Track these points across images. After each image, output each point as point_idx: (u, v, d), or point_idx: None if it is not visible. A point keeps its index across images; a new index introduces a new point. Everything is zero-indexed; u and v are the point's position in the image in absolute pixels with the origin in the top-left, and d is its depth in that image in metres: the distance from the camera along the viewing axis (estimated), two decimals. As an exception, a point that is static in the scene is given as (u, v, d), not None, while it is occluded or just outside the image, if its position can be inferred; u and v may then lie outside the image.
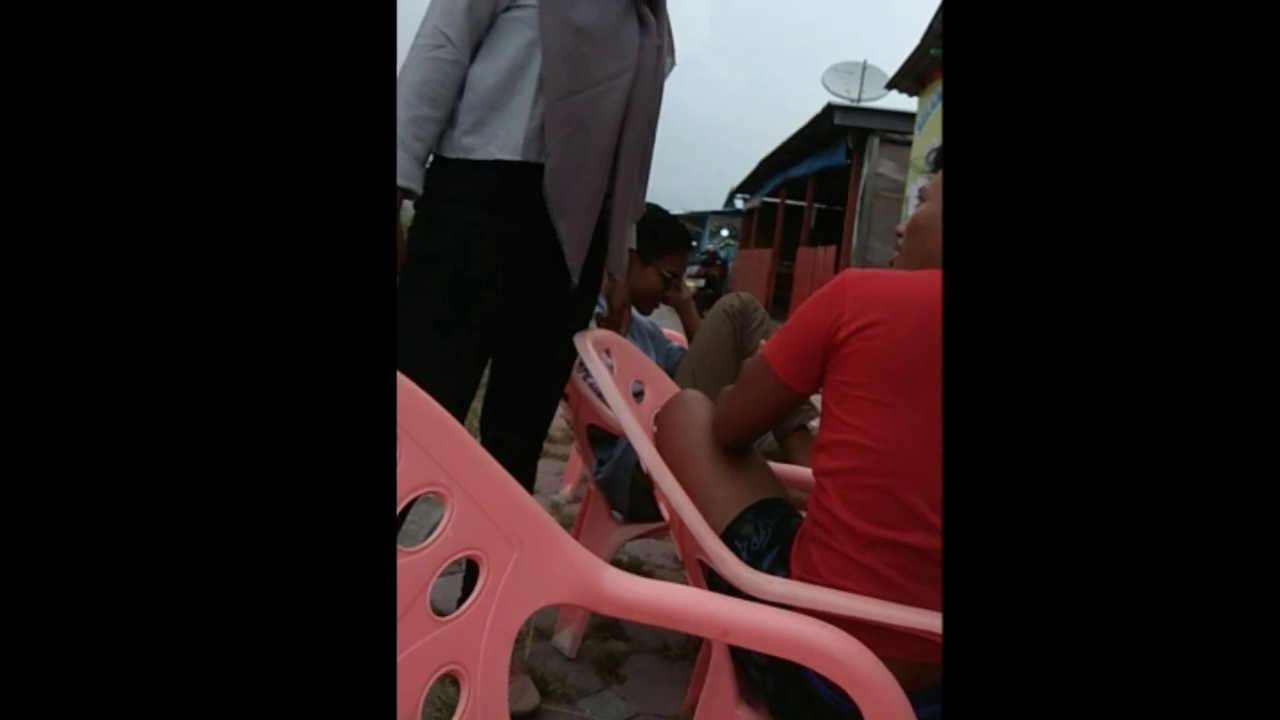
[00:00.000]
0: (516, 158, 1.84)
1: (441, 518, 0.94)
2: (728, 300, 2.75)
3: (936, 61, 10.50)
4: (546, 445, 2.60)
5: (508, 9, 1.84)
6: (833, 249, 14.55)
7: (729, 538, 1.45)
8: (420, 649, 0.91)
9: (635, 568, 3.01)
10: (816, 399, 1.48)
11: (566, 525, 2.92)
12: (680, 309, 3.17)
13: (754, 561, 1.41)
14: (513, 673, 1.90)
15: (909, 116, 12.35)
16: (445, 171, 1.88)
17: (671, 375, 2.37)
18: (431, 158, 1.89)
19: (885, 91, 13.36)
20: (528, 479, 2.19)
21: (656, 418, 1.73)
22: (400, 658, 0.88)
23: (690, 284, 3.50)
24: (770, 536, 1.46)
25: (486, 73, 1.85)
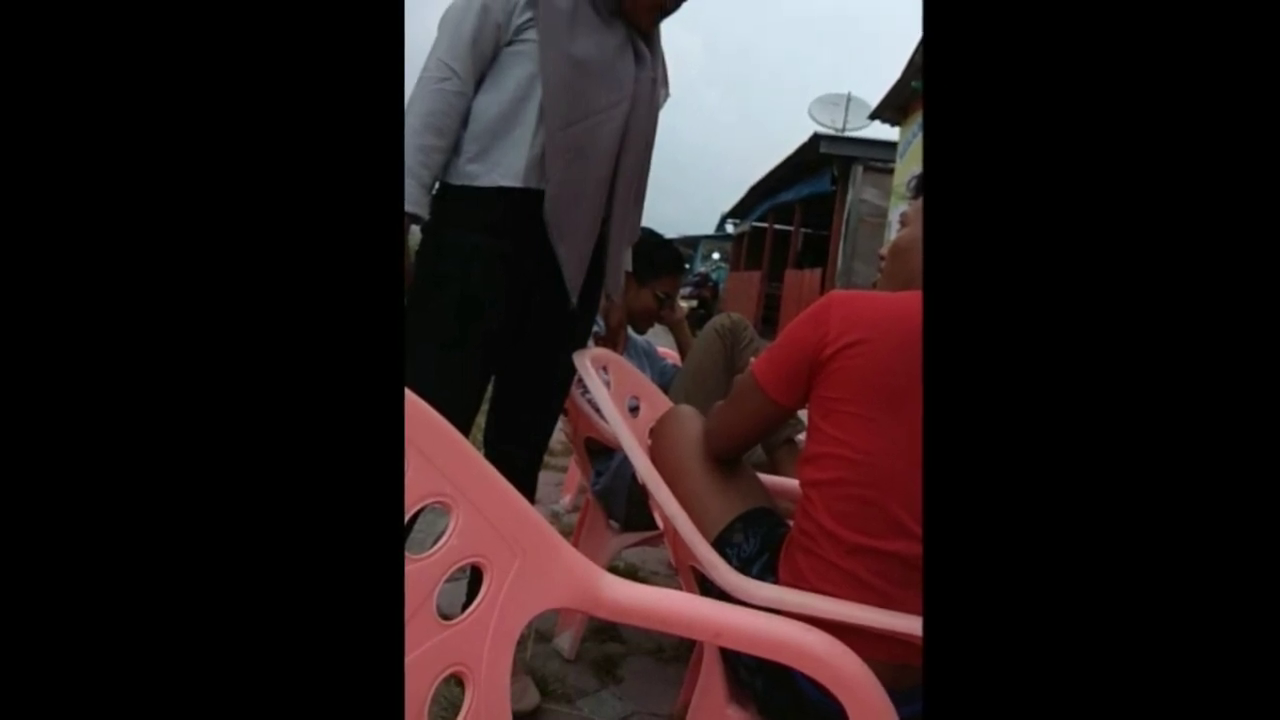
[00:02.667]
0: (519, 184, 1.85)
1: (447, 526, 0.94)
2: (719, 320, 2.75)
3: (917, 93, 10.55)
4: (547, 457, 2.60)
5: (510, 43, 1.85)
6: (819, 271, 14.57)
7: (720, 545, 1.45)
8: (427, 651, 0.91)
9: (631, 574, 3.01)
10: (803, 414, 1.48)
11: (566, 534, 2.90)
12: (674, 328, 3.18)
13: (744, 568, 1.41)
14: (515, 673, 1.90)
15: (891, 145, 12.40)
16: (451, 198, 1.89)
17: (665, 391, 2.37)
18: (438, 185, 1.90)
19: (869, 122, 13.43)
20: (529, 489, 2.19)
21: (651, 431, 1.73)
22: (408, 659, 0.88)
23: (683, 304, 3.51)
24: (759, 544, 1.46)
25: (490, 104, 1.86)
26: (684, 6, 1.96)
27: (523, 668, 2.16)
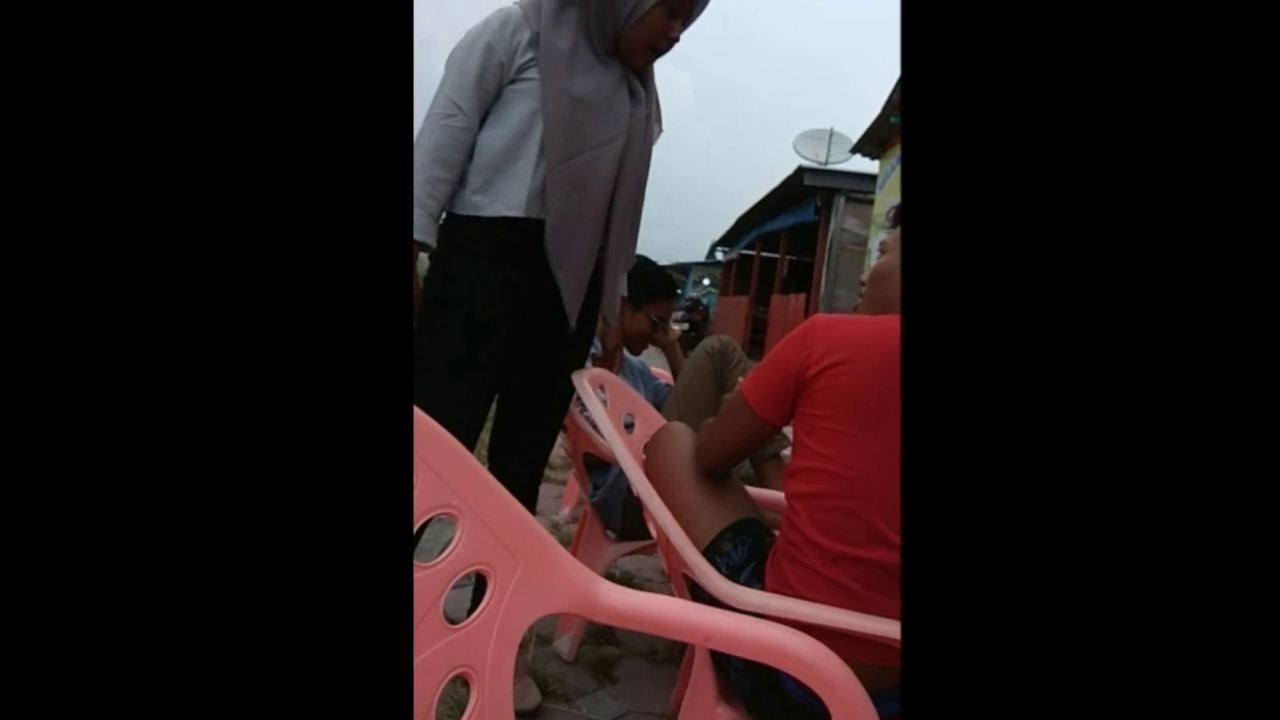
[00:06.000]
0: (521, 214, 1.85)
1: (453, 536, 0.94)
2: (709, 342, 2.75)
3: (896, 128, 10.58)
4: (547, 471, 2.59)
5: (513, 81, 1.86)
6: (803, 296, 14.60)
7: (710, 554, 1.45)
8: (435, 653, 0.91)
9: (627, 581, 3.00)
10: (789, 430, 1.48)
11: (565, 543, 2.91)
12: (667, 350, 3.17)
13: (732, 575, 1.41)
14: (516, 674, 1.89)
15: (871, 178, 12.45)
16: (457, 227, 1.89)
17: (659, 409, 2.37)
18: (444, 215, 1.90)
19: (850, 155, 13.46)
20: (530, 502, 2.19)
21: (645, 447, 1.73)
22: (417, 661, 0.88)
23: (676, 327, 3.51)
24: (747, 553, 1.46)
25: (494, 138, 1.86)
26: (676, 47, 1.97)
27: (524, 669, 2.15)
